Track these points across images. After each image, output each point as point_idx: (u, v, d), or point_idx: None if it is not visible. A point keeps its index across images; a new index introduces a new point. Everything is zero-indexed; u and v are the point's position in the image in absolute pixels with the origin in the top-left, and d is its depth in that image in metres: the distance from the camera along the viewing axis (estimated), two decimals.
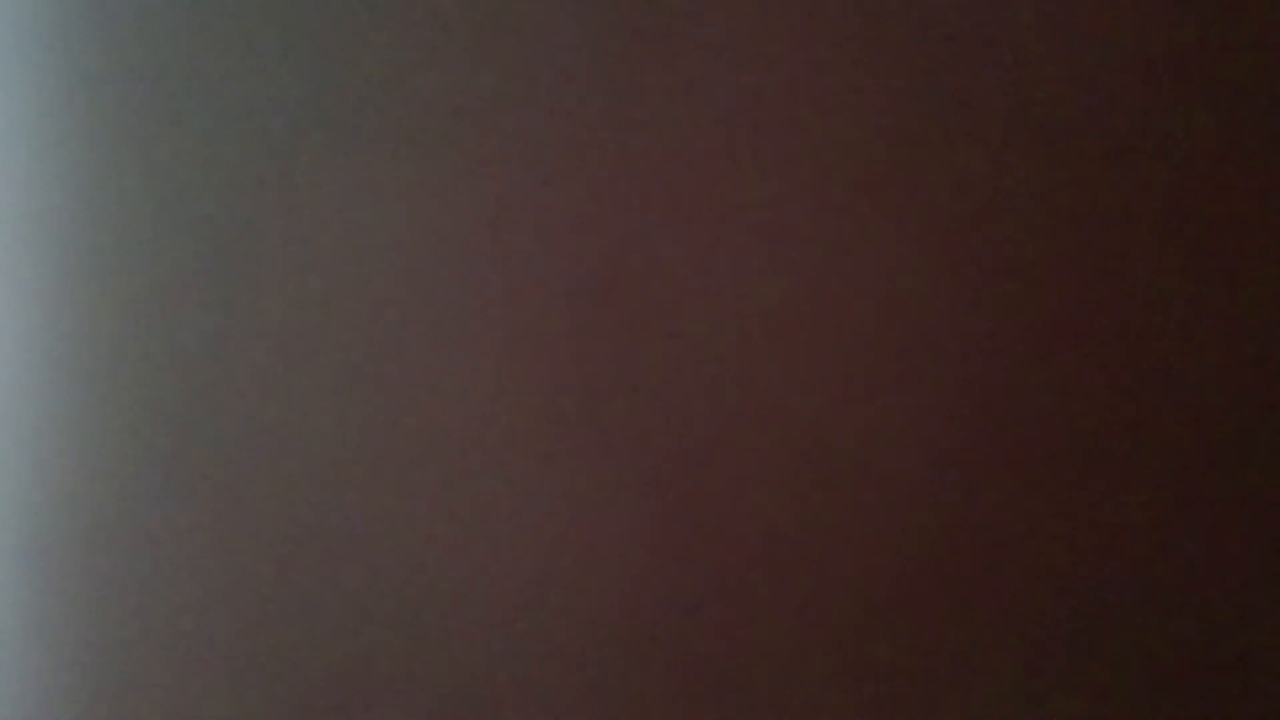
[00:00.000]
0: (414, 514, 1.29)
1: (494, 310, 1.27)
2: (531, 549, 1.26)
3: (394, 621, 1.29)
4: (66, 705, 1.35)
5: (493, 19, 1.27)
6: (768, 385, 1.22)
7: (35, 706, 1.36)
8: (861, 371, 1.20)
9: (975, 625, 1.18)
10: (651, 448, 1.24)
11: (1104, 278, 1.16)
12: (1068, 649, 1.17)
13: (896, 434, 1.20)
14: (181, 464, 1.33)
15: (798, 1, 1.21)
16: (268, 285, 1.32)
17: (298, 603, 1.31)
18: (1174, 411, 1.15)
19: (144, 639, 1.34)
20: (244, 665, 1.32)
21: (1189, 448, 1.15)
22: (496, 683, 1.27)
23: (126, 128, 1.35)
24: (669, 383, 1.24)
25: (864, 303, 1.20)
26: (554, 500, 1.26)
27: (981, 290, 1.18)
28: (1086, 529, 1.16)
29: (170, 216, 1.34)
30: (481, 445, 1.27)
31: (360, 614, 1.30)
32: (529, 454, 1.26)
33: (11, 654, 1.36)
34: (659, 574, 1.24)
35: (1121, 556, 1.16)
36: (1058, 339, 1.17)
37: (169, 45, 1.34)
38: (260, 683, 1.31)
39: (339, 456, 1.30)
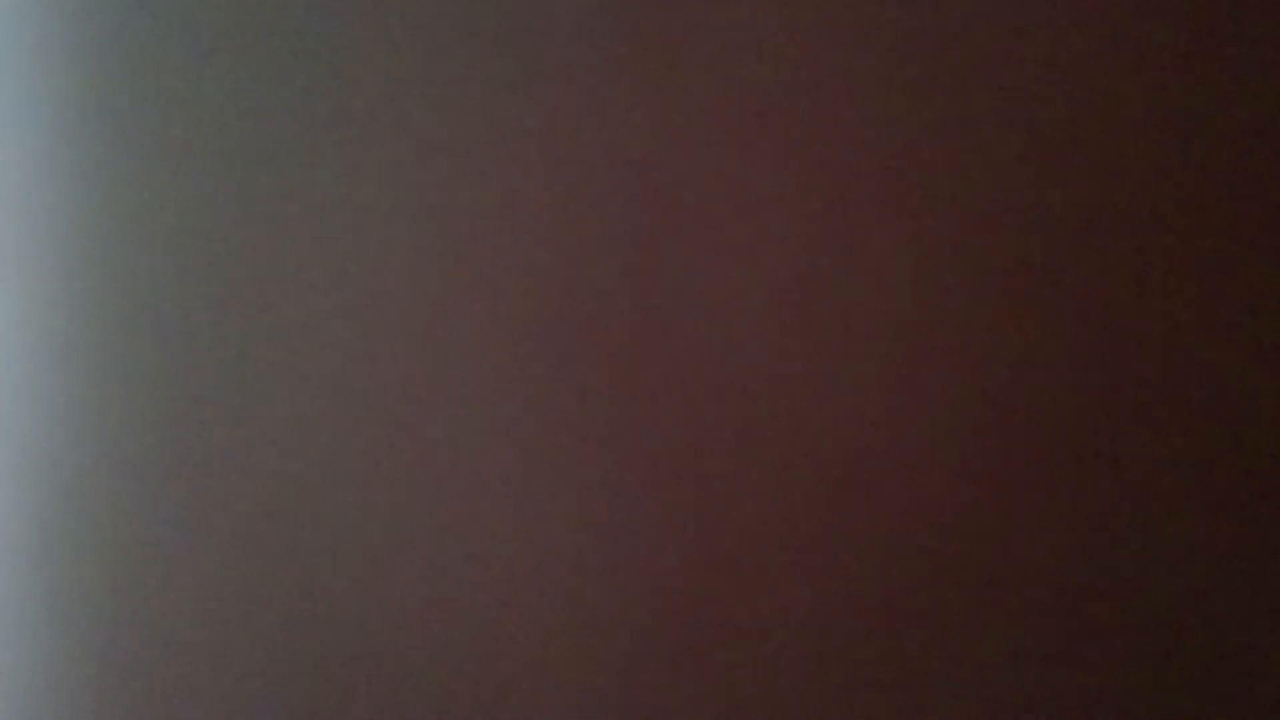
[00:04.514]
0: (413, 512, 1.28)
1: (499, 308, 1.27)
2: (535, 546, 1.26)
3: (393, 618, 1.29)
4: (67, 704, 1.35)
5: (496, 19, 1.27)
6: (773, 384, 1.22)
7: (36, 706, 1.35)
8: (868, 370, 1.20)
9: (983, 624, 1.18)
10: (655, 447, 1.24)
11: (1111, 277, 1.16)
12: (1074, 650, 1.17)
13: (904, 433, 1.20)
14: (180, 462, 1.33)
15: (804, 2, 1.21)
16: (270, 284, 1.32)
17: (295, 599, 1.31)
18: (1181, 411, 1.15)
19: (143, 639, 1.34)
20: (242, 663, 1.32)
21: (1196, 447, 1.15)
22: (493, 681, 1.27)
23: (129, 127, 1.34)
24: (675, 381, 1.24)
25: (869, 301, 1.20)
26: (559, 501, 1.26)
27: (989, 291, 1.18)
28: (1094, 529, 1.17)
29: (169, 217, 1.34)
30: (485, 445, 1.27)
31: (362, 612, 1.30)
32: (534, 452, 1.26)
33: (12, 654, 1.36)
34: (663, 574, 1.24)
35: (1128, 557, 1.16)
36: (1067, 339, 1.17)
37: (172, 46, 1.34)
38: (256, 679, 1.31)
39: (342, 454, 1.30)
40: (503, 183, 1.27)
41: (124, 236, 1.35)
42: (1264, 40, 1.13)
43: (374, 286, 1.29)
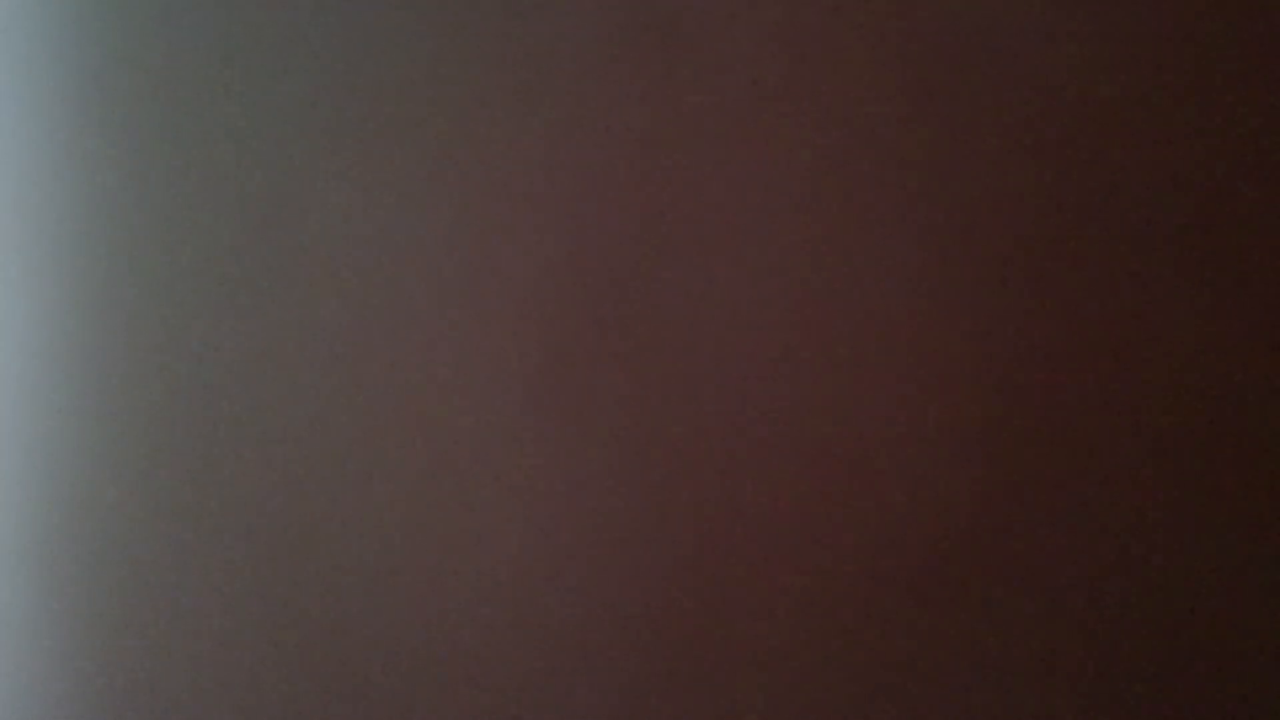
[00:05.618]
0: (418, 512, 1.29)
1: (505, 312, 1.27)
2: (542, 546, 1.26)
3: (399, 619, 1.29)
4: (65, 703, 1.35)
5: (502, 21, 1.27)
6: (778, 383, 1.22)
7: (34, 705, 1.35)
8: (873, 370, 1.20)
9: (984, 623, 1.19)
10: (662, 448, 1.24)
11: (1113, 278, 1.17)
12: (1075, 649, 1.17)
13: (909, 433, 1.20)
14: (184, 462, 1.33)
15: (802, 3, 1.22)
16: (274, 285, 1.32)
17: (292, 597, 1.31)
18: (1184, 410, 1.16)
19: (141, 639, 1.34)
20: (241, 661, 1.32)
21: (1197, 446, 1.16)
22: (499, 680, 1.27)
23: (127, 127, 1.35)
24: (681, 382, 1.24)
25: (874, 300, 1.20)
26: (566, 501, 1.26)
27: (994, 290, 1.19)
28: (1095, 529, 1.17)
29: (173, 219, 1.34)
30: (493, 446, 1.28)
31: (367, 613, 1.30)
32: (541, 452, 1.27)
33: (12, 654, 1.36)
34: (670, 575, 1.24)
35: (1129, 557, 1.17)
36: (1072, 339, 1.17)
37: (171, 47, 1.34)
38: (259, 681, 1.31)
39: (347, 455, 1.30)
40: (509, 186, 1.27)
41: (126, 237, 1.35)
42: (1264, 39, 1.14)
43: (379, 287, 1.29)
